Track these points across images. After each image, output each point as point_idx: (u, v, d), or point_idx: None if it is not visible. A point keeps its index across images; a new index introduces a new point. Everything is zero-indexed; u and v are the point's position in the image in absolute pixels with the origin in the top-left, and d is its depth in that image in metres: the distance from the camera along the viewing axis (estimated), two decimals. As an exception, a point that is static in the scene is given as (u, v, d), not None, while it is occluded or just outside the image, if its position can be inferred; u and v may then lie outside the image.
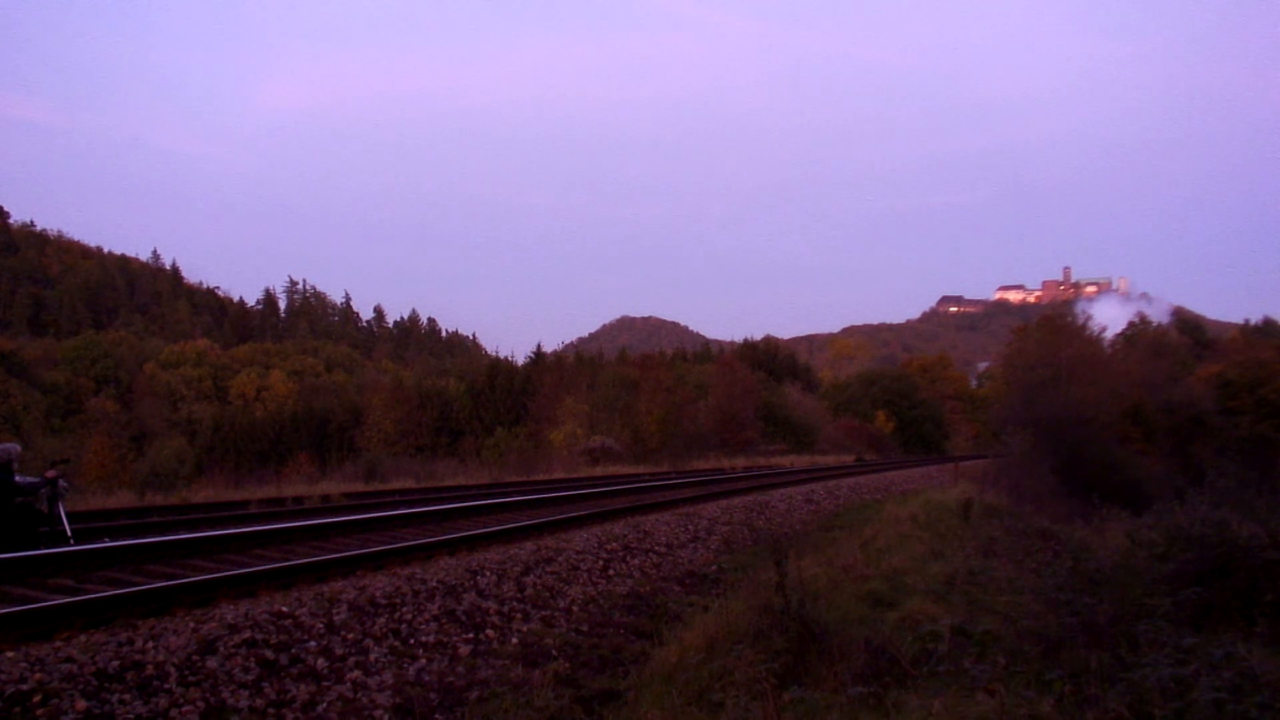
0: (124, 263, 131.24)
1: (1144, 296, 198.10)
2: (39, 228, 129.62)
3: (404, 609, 7.01)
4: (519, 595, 8.05)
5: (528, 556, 9.26)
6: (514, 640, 6.96)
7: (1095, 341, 58.91)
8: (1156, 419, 49.67)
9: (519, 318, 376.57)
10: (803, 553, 9.65)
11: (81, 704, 4.66)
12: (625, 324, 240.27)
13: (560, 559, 9.46)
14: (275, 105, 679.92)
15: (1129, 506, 14.64)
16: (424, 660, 6.24)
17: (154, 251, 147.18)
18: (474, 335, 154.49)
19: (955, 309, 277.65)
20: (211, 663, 5.40)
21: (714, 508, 15.08)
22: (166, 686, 5.06)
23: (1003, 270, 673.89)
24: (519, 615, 7.56)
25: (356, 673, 5.80)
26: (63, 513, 8.99)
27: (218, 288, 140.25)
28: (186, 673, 5.24)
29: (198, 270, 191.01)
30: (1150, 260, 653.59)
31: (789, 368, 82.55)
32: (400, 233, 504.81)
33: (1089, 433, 33.18)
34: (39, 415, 71.12)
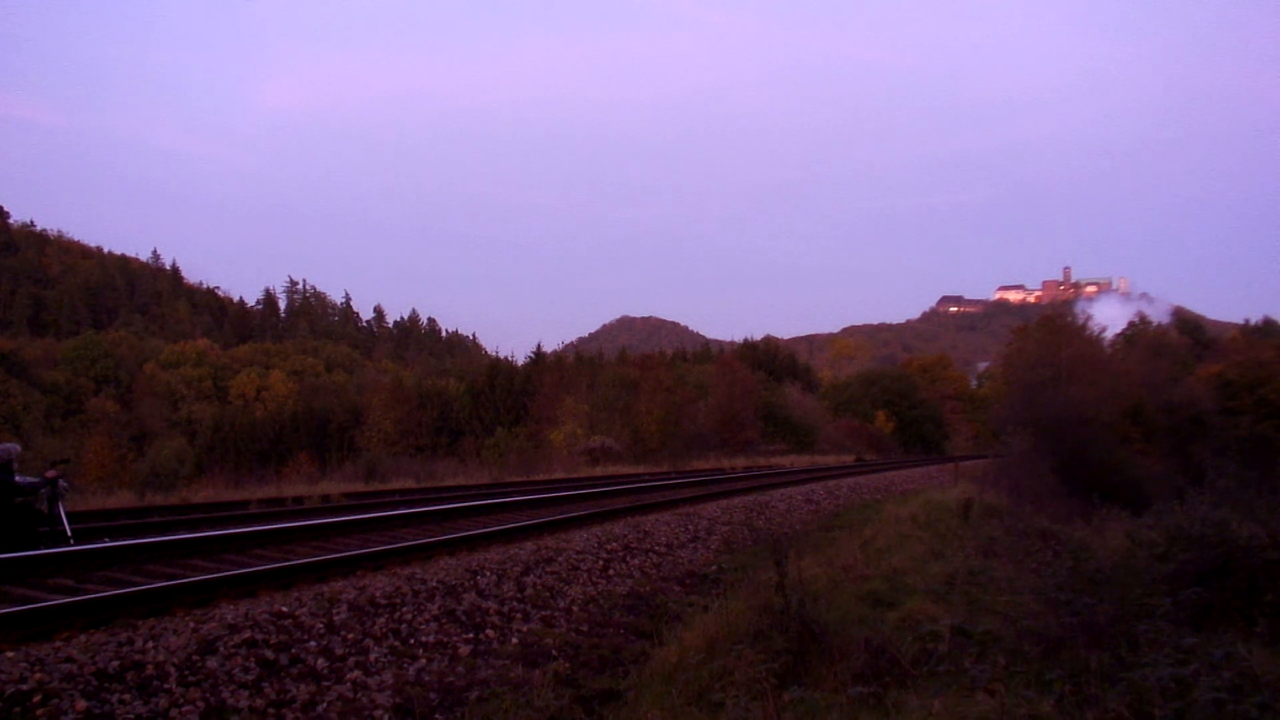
0: (124, 263, 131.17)
1: (1144, 296, 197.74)
2: (39, 228, 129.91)
3: (404, 609, 7.01)
4: (519, 595, 8.05)
5: (528, 556, 9.26)
6: (514, 640, 6.96)
7: (1095, 341, 58.96)
8: (1156, 419, 49.69)
9: (519, 318, 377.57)
10: (803, 553, 9.64)
11: (81, 704, 4.66)
12: (625, 324, 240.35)
13: (560, 559, 9.46)
14: (275, 105, 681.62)
15: (1129, 506, 14.65)
16: (424, 660, 6.24)
17: (154, 251, 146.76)
18: (474, 335, 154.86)
19: (955, 309, 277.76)
20: (211, 663, 5.40)
21: (714, 508, 15.08)
22: (166, 686, 5.06)
23: (1003, 270, 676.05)
24: (519, 615, 7.56)
25: (356, 673, 5.80)
26: (63, 513, 8.99)
27: (218, 288, 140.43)
28: (186, 673, 5.24)
29: (198, 270, 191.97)
30: (1150, 260, 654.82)
31: (789, 368, 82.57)
32: (400, 233, 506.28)
33: (1089, 433, 33.15)
34: (39, 415, 71.03)
